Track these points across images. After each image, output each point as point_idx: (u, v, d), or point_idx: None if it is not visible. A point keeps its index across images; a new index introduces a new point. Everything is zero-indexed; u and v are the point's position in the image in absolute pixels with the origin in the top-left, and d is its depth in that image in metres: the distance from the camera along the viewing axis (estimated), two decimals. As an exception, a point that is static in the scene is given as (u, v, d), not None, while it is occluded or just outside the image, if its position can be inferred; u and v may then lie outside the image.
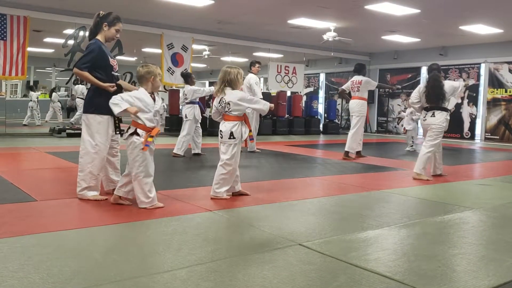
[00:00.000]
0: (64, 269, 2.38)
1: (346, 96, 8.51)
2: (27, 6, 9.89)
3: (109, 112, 3.87)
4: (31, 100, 15.29)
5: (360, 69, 8.11)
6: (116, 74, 4.18)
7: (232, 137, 4.20)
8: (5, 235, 2.91)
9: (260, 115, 8.89)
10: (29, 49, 10.17)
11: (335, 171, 6.37)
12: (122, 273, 2.35)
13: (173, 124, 13.01)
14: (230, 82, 4.23)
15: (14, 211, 3.56)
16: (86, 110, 4.05)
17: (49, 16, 10.31)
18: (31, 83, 19.84)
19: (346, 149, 7.89)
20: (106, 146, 4.05)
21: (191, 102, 7.53)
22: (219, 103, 4.25)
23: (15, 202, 3.89)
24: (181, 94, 8.04)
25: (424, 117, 5.91)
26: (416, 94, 5.94)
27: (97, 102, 3.98)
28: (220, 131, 4.25)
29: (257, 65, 8.60)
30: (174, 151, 7.44)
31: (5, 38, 9.60)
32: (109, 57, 4.11)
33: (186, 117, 7.53)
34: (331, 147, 10.43)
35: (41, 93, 20.20)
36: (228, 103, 4.20)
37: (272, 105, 4.48)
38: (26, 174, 5.50)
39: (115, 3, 9.66)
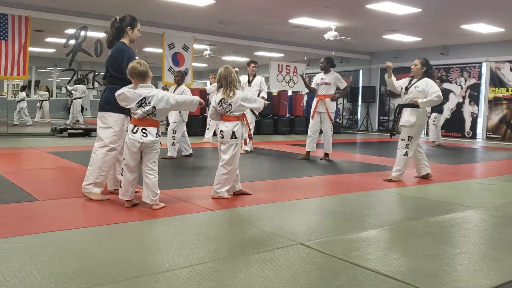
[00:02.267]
0: (66, 268, 2.38)
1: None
2: (29, 6, 9.89)
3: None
4: (21, 101, 15.14)
5: None
6: None
7: (233, 137, 4.21)
8: (7, 235, 2.92)
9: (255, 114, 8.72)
10: (30, 49, 10.17)
11: (336, 171, 6.37)
12: (124, 273, 2.36)
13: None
14: (234, 82, 4.24)
15: (16, 211, 3.57)
16: (103, 108, 4.08)
17: (51, 16, 10.32)
18: (33, 83, 19.88)
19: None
20: (120, 144, 4.05)
21: None
22: (219, 104, 4.23)
23: (17, 202, 3.90)
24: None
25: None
26: None
27: (115, 101, 3.92)
28: (221, 131, 4.24)
29: (252, 64, 8.42)
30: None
31: (6, 38, 9.61)
32: None
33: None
34: (332, 147, 10.40)
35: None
36: (230, 104, 4.19)
37: (267, 102, 4.53)
38: (28, 174, 5.50)
39: (116, 2, 9.67)
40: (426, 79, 5.41)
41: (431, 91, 5.28)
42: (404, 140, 5.44)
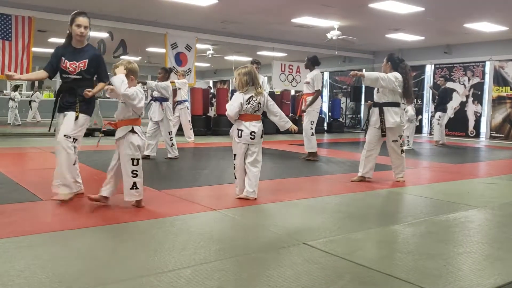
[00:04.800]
0: (70, 268, 2.39)
1: None
2: (32, 7, 9.92)
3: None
4: (12, 100, 15.06)
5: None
6: (70, 76, 4.07)
7: (262, 136, 4.20)
8: (11, 235, 2.93)
9: None
10: (33, 49, 10.21)
11: (340, 170, 6.37)
12: (128, 273, 2.36)
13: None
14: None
15: (20, 211, 3.58)
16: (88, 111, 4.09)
17: (54, 16, 10.34)
18: (36, 83, 19.93)
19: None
20: None
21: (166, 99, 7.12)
22: (247, 102, 4.10)
23: (21, 201, 3.91)
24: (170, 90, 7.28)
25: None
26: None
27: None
28: (253, 132, 4.11)
29: (254, 65, 8.25)
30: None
31: (10, 39, 9.64)
32: (63, 59, 4.07)
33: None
34: (335, 146, 10.41)
35: (46, 93, 20.35)
36: (259, 103, 4.15)
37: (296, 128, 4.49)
38: (31, 173, 5.52)
39: (119, 3, 9.69)
40: (394, 73, 5.22)
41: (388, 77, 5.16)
42: (397, 141, 5.38)
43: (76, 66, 4.03)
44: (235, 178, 4.27)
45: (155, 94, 6.99)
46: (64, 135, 3.88)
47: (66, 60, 4.06)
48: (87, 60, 4.03)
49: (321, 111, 16.05)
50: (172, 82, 8.32)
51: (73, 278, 2.26)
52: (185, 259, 2.57)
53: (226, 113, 4.21)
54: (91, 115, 4.16)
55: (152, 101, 7.04)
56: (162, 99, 6.97)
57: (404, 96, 5.33)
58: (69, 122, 3.95)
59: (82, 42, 4.12)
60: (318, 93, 7.22)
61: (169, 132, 7.01)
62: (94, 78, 4.18)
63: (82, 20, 4.07)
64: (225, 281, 2.27)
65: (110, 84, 3.83)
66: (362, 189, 4.94)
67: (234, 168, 4.25)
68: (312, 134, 7.23)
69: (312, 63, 7.37)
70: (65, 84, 4.13)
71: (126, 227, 3.27)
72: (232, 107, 4.11)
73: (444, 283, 2.33)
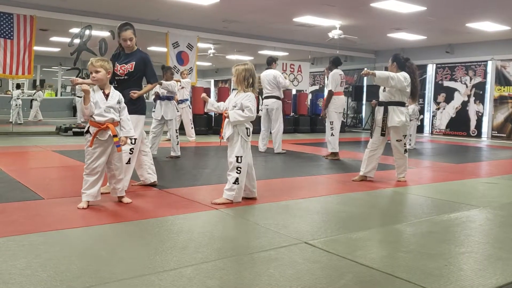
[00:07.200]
0: (71, 267, 2.39)
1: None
2: (34, 6, 9.93)
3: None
4: (16, 99, 15.00)
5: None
6: (120, 77, 4.38)
7: None
8: (13, 233, 2.93)
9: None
10: (35, 48, 10.21)
11: (341, 170, 6.36)
12: (129, 271, 2.36)
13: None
14: None
15: (21, 210, 3.58)
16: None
17: (55, 15, 10.35)
18: (38, 82, 19.98)
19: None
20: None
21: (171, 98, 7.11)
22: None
23: (23, 200, 3.92)
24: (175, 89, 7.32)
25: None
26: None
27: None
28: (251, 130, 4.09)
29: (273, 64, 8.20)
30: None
31: (12, 37, 9.65)
32: (116, 64, 4.38)
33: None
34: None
35: (47, 92, 20.37)
36: None
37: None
38: (33, 172, 5.53)
39: (120, 2, 9.69)
40: (402, 72, 5.20)
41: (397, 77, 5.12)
42: (400, 140, 5.35)
43: (125, 69, 4.37)
44: (237, 182, 3.90)
45: (163, 93, 6.97)
46: None
47: (117, 64, 4.39)
48: (134, 62, 4.36)
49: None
50: (178, 81, 8.37)
51: (74, 277, 2.26)
52: (186, 258, 2.57)
53: (249, 115, 3.88)
54: (141, 114, 4.36)
55: (160, 100, 6.97)
56: (172, 98, 7.06)
57: (410, 95, 5.31)
58: None
59: (131, 49, 4.46)
60: (329, 93, 7.35)
61: (176, 130, 7.08)
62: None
63: (124, 34, 4.37)
64: (226, 280, 2.27)
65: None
66: (363, 188, 4.94)
67: (240, 172, 3.89)
68: (332, 135, 7.39)
69: (333, 63, 7.51)
70: (116, 86, 4.32)
71: (128, 226, 3.27)
72: (254, 108, 3.91)
73: (445, 283, 2.32)
